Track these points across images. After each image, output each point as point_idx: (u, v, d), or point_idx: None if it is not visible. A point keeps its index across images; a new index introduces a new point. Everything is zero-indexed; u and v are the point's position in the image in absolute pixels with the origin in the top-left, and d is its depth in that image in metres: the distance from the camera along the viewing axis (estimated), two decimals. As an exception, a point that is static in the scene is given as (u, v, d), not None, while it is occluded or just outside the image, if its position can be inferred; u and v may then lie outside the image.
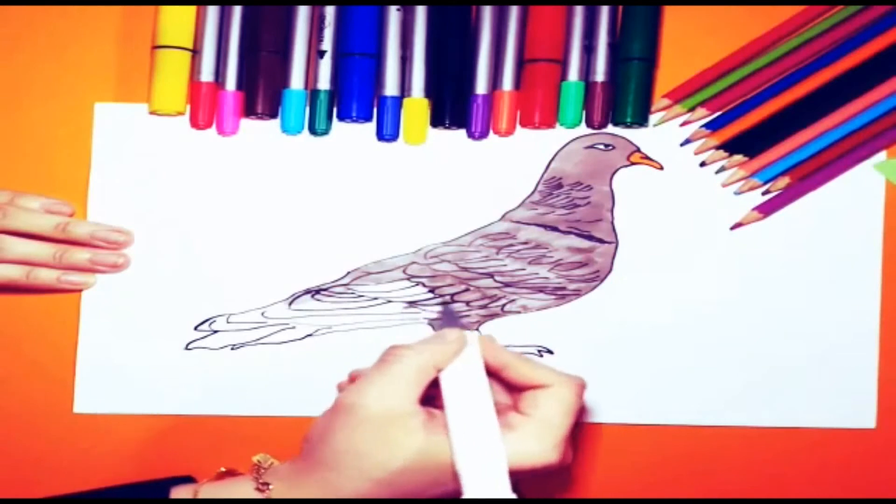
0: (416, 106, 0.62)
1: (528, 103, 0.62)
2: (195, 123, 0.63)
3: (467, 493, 0.49)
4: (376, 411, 0.50)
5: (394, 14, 0.62)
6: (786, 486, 0.63)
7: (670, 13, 0.63)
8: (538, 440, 0.51)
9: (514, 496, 0.49)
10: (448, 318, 0.59)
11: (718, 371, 0.62)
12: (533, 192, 0.63)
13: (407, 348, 0.52)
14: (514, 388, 0.54)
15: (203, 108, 0.62)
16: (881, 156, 0.63)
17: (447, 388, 0.52)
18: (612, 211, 0.63)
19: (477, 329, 0.63)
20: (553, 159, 0.63)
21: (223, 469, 0.57)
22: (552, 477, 0.54)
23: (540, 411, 0.51)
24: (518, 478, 0.51)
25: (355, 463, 0.50)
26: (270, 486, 0.52)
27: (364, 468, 0.50)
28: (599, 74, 0.62)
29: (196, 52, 0.62)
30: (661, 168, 0.63)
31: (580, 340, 0.62)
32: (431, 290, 0.63)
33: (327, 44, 0.62)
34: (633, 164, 0.63)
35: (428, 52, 0.62)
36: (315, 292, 0.63)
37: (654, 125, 0.63)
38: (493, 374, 0.53)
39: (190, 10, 0.62)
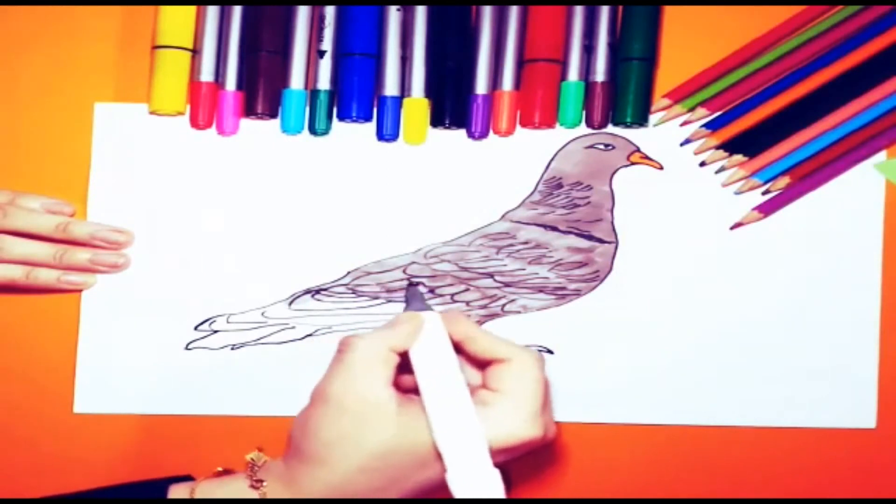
0: (416, 106, 0.62)
1: (528, 103, 0.62)
2: (195, 123, 0.63)
3: (449, 470, 0.50)
4: (346, 399, 0.51)
5: (394, 14, 0.62)
6: (786, 486, 0.63)
7: (670, 13, 0.63)
8: (513, 414, 0.52)
9: (496, 470, 0.50)
10: (413, 299, 0.59)
11: (718, 371, 0.62)
12: (533, 192, 0.63)
13: (357, 337, 0.53)
14: (480, 365, 0.55)
15: (203, 108, 0.62)
16: (881, 156, 0.63)
17: (418, 369, 0.53)
18: (612, 211, 0.63)
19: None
20: (553, 159, 0.63)
21: (220, 469, 0.57)
22: (539, 454, 0.54)
23: (507, 385, 0.53)
24: (507, 457, 0.52)
25: (338, 451, 0.51)
26: (264, 483, 0.53)
27: (348, 456, 0.51)
28: (599, 74, 0.62)
29: (196, 52, 0.62)
30: (661, 168, 0.63)
31: (580, 340, 0.62)
32: (431, 290, 0.63)
33: (327, 44, 0.62)
34: (633, 164, 0.63)
35: (428, 52, 0.62)
36: (315, 292, 0.63)
37: (654, 125, 0.63)
38: (458, 348, 0.54)
39: (190, 10, 0.62)
